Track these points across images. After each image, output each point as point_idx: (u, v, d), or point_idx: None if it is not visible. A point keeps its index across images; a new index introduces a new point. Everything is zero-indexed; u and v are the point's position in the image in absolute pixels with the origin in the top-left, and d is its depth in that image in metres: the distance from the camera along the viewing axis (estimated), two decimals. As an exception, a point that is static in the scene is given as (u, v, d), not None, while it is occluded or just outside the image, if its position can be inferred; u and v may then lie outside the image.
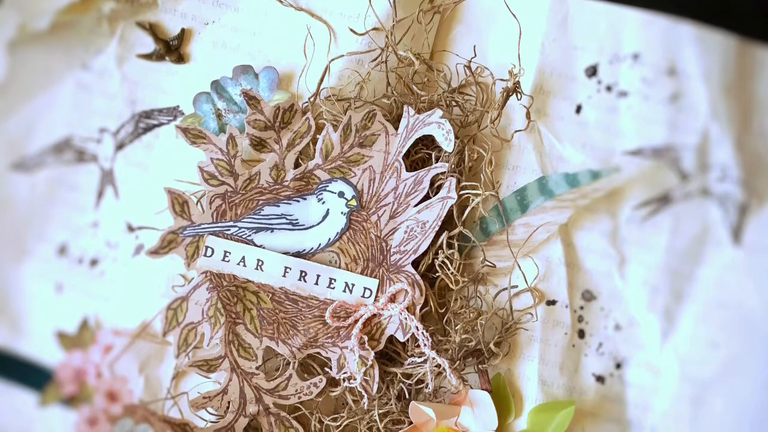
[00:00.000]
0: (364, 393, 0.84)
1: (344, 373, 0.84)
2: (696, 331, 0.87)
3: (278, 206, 0.85)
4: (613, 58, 0.87)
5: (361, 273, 0.85)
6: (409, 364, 0.85)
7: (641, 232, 0.87)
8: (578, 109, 0.88)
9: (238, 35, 0.89)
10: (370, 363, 0.84)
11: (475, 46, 0.88)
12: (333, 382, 0.86)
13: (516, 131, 0.87)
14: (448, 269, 0.85)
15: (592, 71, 0.88)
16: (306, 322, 0.85)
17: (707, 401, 0.87)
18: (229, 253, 0.85)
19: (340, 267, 0.85)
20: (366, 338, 0.84)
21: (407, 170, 0.85)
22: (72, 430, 0.89)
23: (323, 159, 0.85)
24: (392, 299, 0.84)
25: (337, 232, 0.85)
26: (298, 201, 0.85)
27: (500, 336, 0.86)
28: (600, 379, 0.88)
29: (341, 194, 0.85)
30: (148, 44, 0.91)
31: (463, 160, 0.86)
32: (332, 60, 0.87)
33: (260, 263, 0.85)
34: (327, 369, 0.85)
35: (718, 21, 0.87)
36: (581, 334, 0.88)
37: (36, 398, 0.91)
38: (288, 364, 0.85)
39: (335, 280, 0.85)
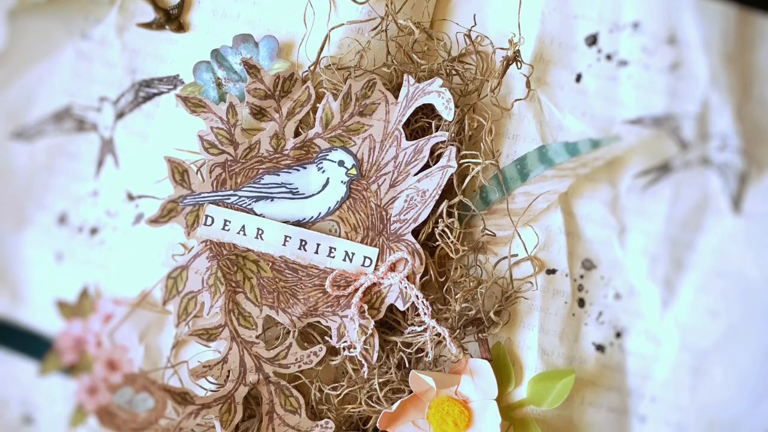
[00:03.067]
0: (364, 362, 0.84)
1: (344, 341, 0.84)
2: (696, 300, 0.88)
3: (278, 175, 0.85)
4: (613, 27, 0.87)
5: (361, 242, 0.85)
6: (409, 333, 0.85)
7: (641, 200, 0.88)
8: (578, 78, 0.88)
9: (238, 4, 0.89)
10: (370, 332, 0.84)
11: (475, 15, 0.87)
12: (333, 351, 0.86)
13: (516, 100, 0.87)
14: (448, 238, 0.85)
15: (592, 40, 0.88)
16: (306, 291, 0.85)
17: (707, 370, 0.88)
18: (229, 221, 0.85)
19: (340, 236, 0.85)
20: (366, 307, 0.84)
21: (407, 139, 0.85)
22: (72, 399, 0.89)
23: (323, 128, 0.85)
24: (392, 268, 0.84)
25: (337, 201, 0.85)
26: (298, 170, 0.85)
27: (500, 305, 0.86)
28: (600, 348, 0.88)
29: (341, 163, 0.85)
30: (148, 13, 0.90)
31: (463, 128, 0.86)
32: (332, 29, 0.87)
33: (260, 232, 0.85)
34: (327, 338, 0.85)
35: (718, -11, 0.87)
36: (581, 302, 0.88)
37: (36, 367, 0.91)
38: (288, 332, 0.85)
39: (335, 249, 0.85)
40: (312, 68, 0.87)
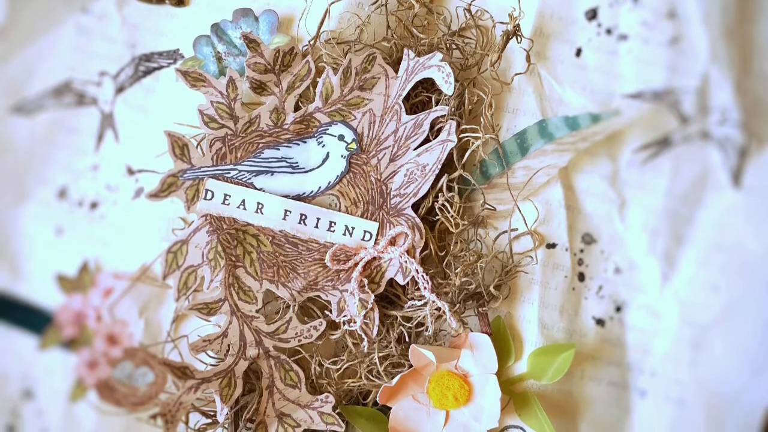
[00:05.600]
0: (364, 336, 0.84)
1: (344, 316, 0.84)
2: (696, 274, 0.88)
3: (278, 149, 0.85)
4: (613, 1, 0.87)
5: (361, 216, 0.85)
6: (409, 308, 0.85)
7: (641, 175, 0.87)
8: (578, 53, 0.88)
9: (238, -22, 0.89)
10: (370, 306, 0.84)
11: (475, -10, 0.88)
12: (333, 325, 0.86)
13: (516, 74, 0.87)
14: (448, 212, 0.85)
15: (593, 14, 0.88)
16: (306, 265, 0.85)
17: (707, 344, 0.88)
18: (229, 196, 0.85)
19: (340, 210, 0.85)
20: (366, 281, 0.84)
21: (407, 113, 0.85)
22: (72, 374, 0.89)
23: (323, 102, 0.85)
24: (392, 242, 0.84)
25: (337, 175, 0.85)
26: (298, 144, 0.85)
27: (500, 279, 0.86)
28: (600, 322, 0.88)
29: (341, 137, 0.85)
30: (148, -13, 0.91)
31: (463, 103, 0.86)
32: (332, 3, 0.87)
33: (260, 206, 0.85)
34: (327, 312, 0.85)
35: (718, -36, 0.87)
36: (581, 277, 0.88)
37: (36, 341, 0.91)
38: (288, 307, 0.85)
39: (335, 223, 0.85)
40: (312, 42, 0.87)
